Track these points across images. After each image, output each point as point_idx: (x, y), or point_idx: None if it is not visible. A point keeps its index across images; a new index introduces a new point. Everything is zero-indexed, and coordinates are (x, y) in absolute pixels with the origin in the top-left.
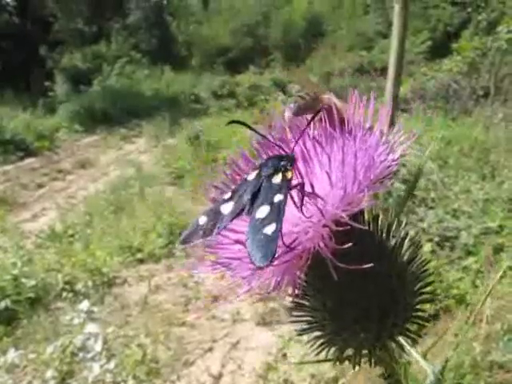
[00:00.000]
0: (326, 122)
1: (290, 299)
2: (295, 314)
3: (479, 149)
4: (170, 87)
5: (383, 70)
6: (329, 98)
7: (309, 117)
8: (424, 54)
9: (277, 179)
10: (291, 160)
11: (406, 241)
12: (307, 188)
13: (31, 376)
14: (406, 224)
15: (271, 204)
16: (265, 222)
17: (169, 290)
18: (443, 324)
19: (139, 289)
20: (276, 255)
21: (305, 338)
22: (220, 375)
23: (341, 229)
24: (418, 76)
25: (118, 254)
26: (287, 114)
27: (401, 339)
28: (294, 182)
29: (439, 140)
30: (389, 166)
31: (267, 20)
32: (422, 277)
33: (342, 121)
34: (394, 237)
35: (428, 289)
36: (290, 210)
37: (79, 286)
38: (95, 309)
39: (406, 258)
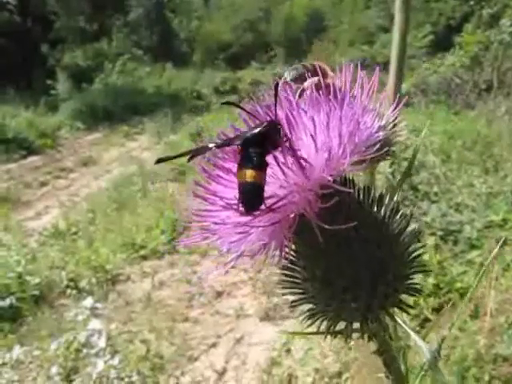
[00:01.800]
0: (316, 91)
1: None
2: (286, 285)
3: (482, 143)
4: (172, 84)
5: (385, 65)
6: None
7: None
8: (426, 48)
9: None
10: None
11: (398, 213)
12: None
13: (36, 372)
14: (398, 199)
15: None
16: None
17: (172, 286)
18: (447, 318)
19: (143, 285)
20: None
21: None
22: (224, 370)
23: (327, 192)
24: (420, 70)
25: (121, 250)
26: (286, 78)
27: (399, 321)
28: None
29: (442, 134)
30: (376, 132)
31: (268, 15)
32: (414, 248)
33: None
34: (385, 208)
35: (419, 260)
36: (276, 172)
37: (83, 283)
38: (99, 305)
39: (397, 228)
